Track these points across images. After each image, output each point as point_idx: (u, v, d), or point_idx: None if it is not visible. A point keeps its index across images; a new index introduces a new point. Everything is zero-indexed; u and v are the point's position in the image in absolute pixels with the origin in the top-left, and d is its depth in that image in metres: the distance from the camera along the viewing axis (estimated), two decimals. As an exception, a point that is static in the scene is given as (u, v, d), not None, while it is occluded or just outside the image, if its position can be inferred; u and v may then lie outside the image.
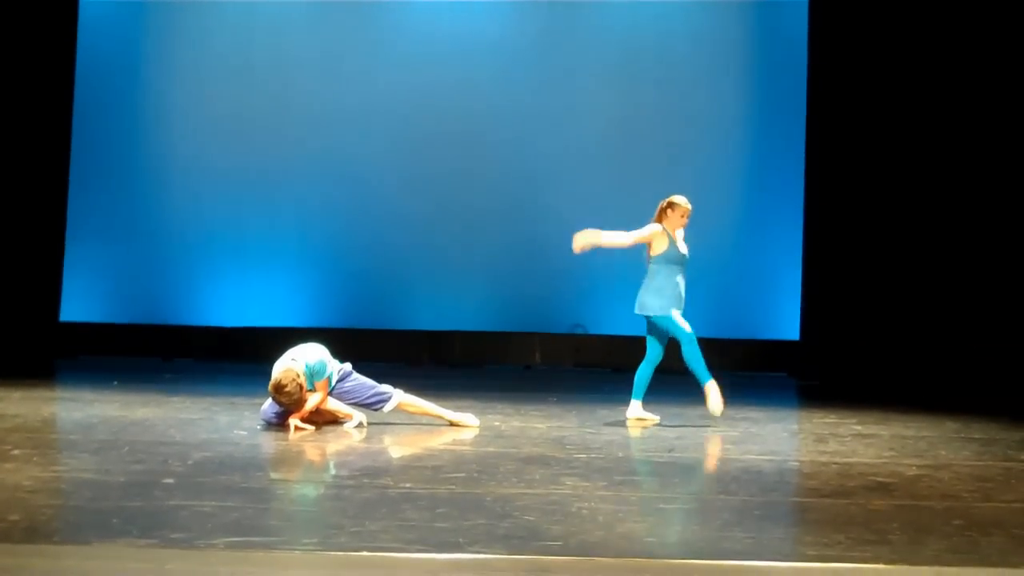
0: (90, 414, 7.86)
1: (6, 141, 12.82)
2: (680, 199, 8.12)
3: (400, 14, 13.51)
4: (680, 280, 8.09)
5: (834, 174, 12.57)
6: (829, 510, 5.02)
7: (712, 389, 7.98)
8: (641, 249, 8.14)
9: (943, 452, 6.91)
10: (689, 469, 6.22)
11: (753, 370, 12.79)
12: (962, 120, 12.31)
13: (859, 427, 8.11)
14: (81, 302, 13.27)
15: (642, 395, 8.19)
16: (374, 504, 4.81)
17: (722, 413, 8.00)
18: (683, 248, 8.15)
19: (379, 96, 13.30)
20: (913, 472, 6.05)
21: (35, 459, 5.75)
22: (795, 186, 12.84)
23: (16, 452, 5.90)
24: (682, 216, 8.09)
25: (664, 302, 8.00)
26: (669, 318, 7.98)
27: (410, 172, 13.27)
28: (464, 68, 13.29)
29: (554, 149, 13.24)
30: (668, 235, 8.06)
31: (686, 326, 7.95)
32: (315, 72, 13.44)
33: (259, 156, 13.36)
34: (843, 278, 12.48)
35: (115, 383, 9.94)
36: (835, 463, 6.33)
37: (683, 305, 8.09)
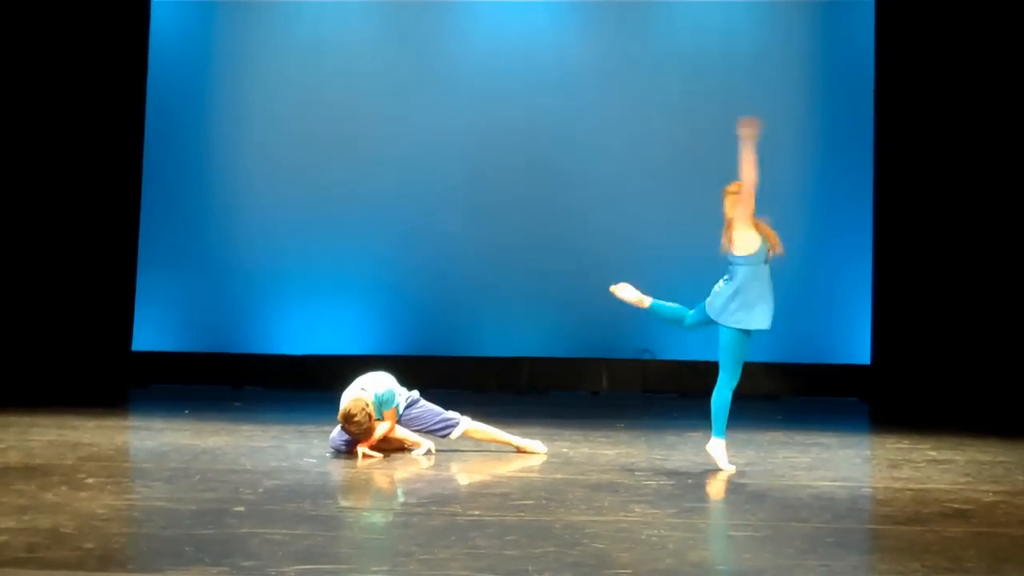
0: (162, 442, 7.95)
1: (79, 171, 13.02)
2: None
3: (465, 46, 13.56)
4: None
5: (905, 188, 12.10)
6: (904, 537, 4.93)
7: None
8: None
9: (1021, 478, 6.78)
10: (760, 496, 6.14)
11: (823, 395, 12.62)
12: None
13: (933, 452, 7.97)
14: (152, 331, 13.43)
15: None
16: (443, 532, 4.81)
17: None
18: (738, 248, 6.93)
19: (446, 126, 13.35)
20: (990, 498, 5.94)
21: (109, 487, 5.82)
22: (864, 202, 12.56)
23: (90, 480, 5.97)
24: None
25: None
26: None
27: (477, 200, 13.30)
28: (528, 99, 13.26)
29: (619, 173, 13.18)
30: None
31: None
32: (383, 103, 13.51)
33: (328, 185, 13.46)
34: (915, 299, 12.09)
35: (186, 411, 10.05)
36: (909, 489, 6.22)
37: (727, 313, 6.83)
